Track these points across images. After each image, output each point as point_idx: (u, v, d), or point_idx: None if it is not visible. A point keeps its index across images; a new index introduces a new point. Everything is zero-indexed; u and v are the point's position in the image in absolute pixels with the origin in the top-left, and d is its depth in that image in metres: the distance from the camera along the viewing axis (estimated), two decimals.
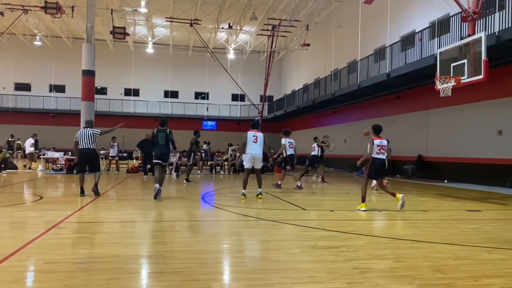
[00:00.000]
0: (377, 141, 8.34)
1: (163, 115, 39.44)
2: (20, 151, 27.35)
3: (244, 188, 9.74)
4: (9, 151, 27.14)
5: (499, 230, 6.55)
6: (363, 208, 8.19)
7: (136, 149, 17.99)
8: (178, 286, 3.49)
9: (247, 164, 9.95)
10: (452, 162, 17.29)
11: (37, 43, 36.52)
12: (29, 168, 19.86)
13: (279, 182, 13.02)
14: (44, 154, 20.46)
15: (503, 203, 10.19)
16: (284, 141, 12.83)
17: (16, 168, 19.81)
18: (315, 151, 14.77)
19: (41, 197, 9.50)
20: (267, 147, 10.18)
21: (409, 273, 3.97)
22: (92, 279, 3.62)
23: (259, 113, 34.08)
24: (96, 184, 9.91)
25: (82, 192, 9.67)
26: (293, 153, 12.93)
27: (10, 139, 28.22)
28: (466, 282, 3.73)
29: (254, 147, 9.76)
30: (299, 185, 12.73)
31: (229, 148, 24.26)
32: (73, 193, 10.58)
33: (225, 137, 35.14)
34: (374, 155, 8.31)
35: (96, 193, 9.77)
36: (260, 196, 9.77)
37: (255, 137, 9.80)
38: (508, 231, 6.53)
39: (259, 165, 9.97)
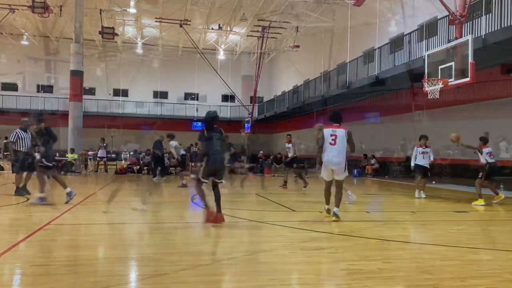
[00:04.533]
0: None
1: (152, 116, 39.28)
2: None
3: (327, 204, 7.42)
4: (5, 153, 26.72)
5: (485, 231, 6.64)
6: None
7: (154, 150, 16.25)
8: None
9: (324, 175, 7.17)
10: (440, 164, 17.44)
11: (25, 42, 36.01)
12: None
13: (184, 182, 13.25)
14: None
15: (490, 204, 10.32)
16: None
17: (2, 169, 19.51)
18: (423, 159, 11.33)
19: (28, 199, 9.38)
20: (351, 146, 7.09)
21: (397, 274, 4.01)
22: (79, 282, 3.58)
23: (249, 114, 34.20)
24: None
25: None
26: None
27: (5, 141, 27.75)
28: (453, 283, 3.77)
29: (330, 151, 6.92)
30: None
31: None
32: (60, 194, 10.44)
33: None
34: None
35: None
36: (335, 217, 6.91)
37: (333, 137, 6.93)
38: (494, 232, 6.63)
39: (340, 176, 7.05)
